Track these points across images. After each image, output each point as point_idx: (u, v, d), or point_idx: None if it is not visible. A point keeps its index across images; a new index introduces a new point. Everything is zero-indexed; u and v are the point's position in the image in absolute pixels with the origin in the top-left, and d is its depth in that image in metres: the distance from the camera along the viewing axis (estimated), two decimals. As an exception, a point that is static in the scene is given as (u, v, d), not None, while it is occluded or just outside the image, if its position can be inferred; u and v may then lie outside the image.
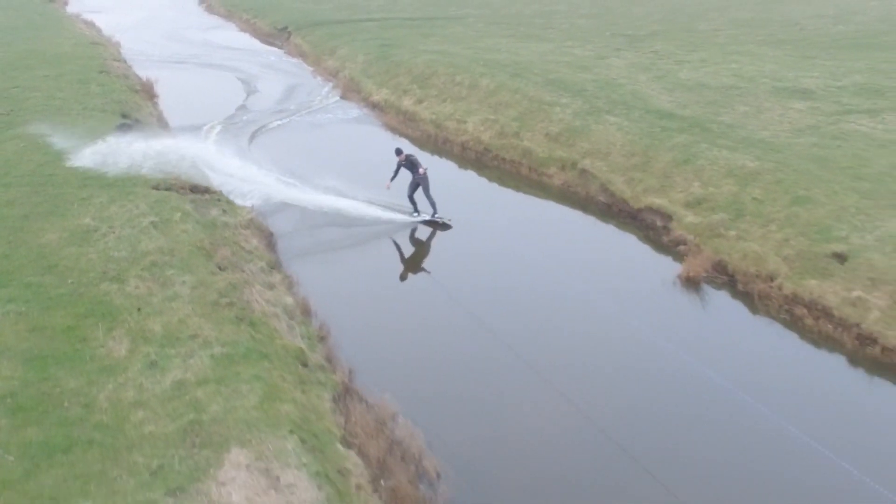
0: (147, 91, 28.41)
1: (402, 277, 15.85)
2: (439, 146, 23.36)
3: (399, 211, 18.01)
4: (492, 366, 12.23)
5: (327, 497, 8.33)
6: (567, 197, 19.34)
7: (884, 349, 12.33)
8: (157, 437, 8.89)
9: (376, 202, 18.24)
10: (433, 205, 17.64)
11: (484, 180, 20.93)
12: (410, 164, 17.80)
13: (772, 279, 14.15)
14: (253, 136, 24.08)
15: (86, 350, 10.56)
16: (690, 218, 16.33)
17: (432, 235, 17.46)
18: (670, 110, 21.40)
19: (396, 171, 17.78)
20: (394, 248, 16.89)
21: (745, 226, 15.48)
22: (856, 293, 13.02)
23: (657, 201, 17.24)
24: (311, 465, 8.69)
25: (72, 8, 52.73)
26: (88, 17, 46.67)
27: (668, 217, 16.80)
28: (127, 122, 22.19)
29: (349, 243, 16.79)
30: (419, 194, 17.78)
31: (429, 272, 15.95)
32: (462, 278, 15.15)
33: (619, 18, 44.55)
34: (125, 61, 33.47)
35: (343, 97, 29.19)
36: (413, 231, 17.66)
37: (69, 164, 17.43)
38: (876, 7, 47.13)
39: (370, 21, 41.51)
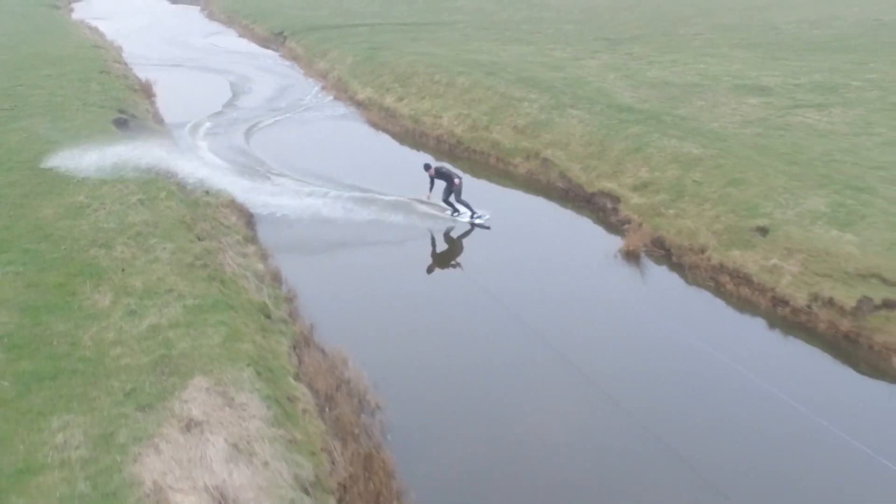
0: (145, 90, 29.96)
1: (382, 259, 16.90)
2: (417, 139, 24.83)
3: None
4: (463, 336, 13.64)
5: (275, 415, 9.74)
6: (530, 184, 20.76)
7: (793, 310, 13.69)
8: (132, 368, 10.31)
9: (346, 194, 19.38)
10: (468, 207, 18.31)
11: (461, 167, 22.37)
12: (441, 174, 18.48)
13: (702, 251, 15.52)
14: (239, 131, 25.56)
15: (74, 302, 12.01)
16: (636, 199, 17.73)
17: (408, 228, 18.57)
18: (630, 105, 22.82)
19: (432, 183, 18.55)
20: (377, 233, 17.79)
21: (684, 205, 16.87)
22: (773, 261, 14.39)
23: (608, 185, 18.64)
24: (263, 391, 10.11)
25: (77, 14, 54.52)
26: (93, 22, 48.38)
27: (617, 199, 18.19)
28: (123, 116, 23.72)
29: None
30: (454, 198, 18.49)
31: (406, 256, 17.20)
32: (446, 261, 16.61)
33: (605, 23, 45.92)
34: (125, 63, 35.07)
35: (331, 96, 30.68)
36: (389, 221, 18.80)
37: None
38: (856, 13, 48.28)
39: (363, 26, 43.06)
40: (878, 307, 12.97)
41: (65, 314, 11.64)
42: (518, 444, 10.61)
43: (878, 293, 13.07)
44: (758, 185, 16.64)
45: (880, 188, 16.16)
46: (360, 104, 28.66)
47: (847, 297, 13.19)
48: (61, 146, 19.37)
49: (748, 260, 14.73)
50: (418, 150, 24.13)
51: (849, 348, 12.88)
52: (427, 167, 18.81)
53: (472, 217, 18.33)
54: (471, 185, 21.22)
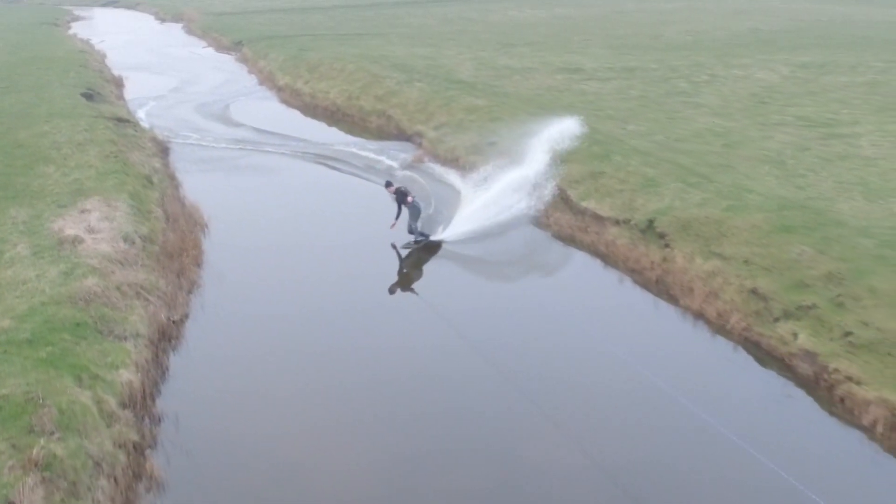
0: (116, 81, 38.22)
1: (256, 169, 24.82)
2: (311, 109, 32.90)
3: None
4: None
5: (134, 213, 17.56)
6: (378, 132, 28.67)
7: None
8: (59, 193, 18.16)
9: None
10: (417, 234, 18.12)
11: (335, 127, 30.36)
12: (400, 194, 17.96)
13: (456, 160, 23.35)
14: (179, 106, 33.72)
15: (31, 171, 19.93)
16: (432, 134, 25.62)
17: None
18: (462, 79, 30.77)
19: (399, 210, 17.93)
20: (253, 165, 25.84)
21: (457, 134, 24.72)
22: (487, 157, 22.13)
23: (420, 128, 26.54)
24: (132, 204, 17.94)
25: (73, 31, 63.23)
26: (86, 36, 56.98)
27: (422, 135, 26.07)
28: (90, 92, 31.81)
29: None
30: (410, 219, 18.00)
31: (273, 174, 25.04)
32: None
33: (519, 35, 53.46)
34: (104, 63, 43.37)
35: (261, 84, 38.89)
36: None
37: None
38: (742, 26, 55.46)
39: (308, 36, 51.10)
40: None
41: (24, 176, 19.57)
42: (287, 245, 18.43)
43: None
44: (507, 119, 24.42)
45: (583, 115, 23.84)
46: (279, 89, 36.78)
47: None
48: (39, 105, 27.48)
49: (478, 160, 22.46)
50: (315, 118, 32.18)
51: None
52: (388, 184, 18.49)
53: (415, 241, 18.15)
54: (340, 137, 29.20)
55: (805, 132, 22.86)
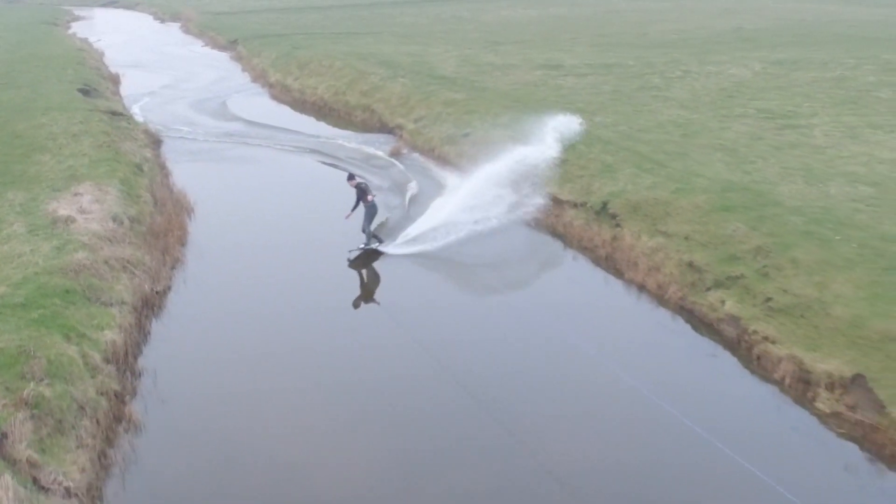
0: (112, 78, 39.49)
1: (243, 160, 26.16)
2: (300, 104, 34.16)
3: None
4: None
5: (124, 197, 18.81)
6: (361, 125, 29.92)
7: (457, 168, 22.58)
8: (55, 178, 19.41)
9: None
10: (369, 237, 17.91)
11: (322, 121, 31.59)
12: (361, 190, 17.80)
13: (432, 149, 24.58)
14: (173, 102, 34.97)
15: (28, 160, 21.18)
16: (411, 126, 26.86)
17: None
18: (444, 75, 31.97)
19: (356, 202, 17.81)
20: (239, 154, 27.18)
21: (435, 126, 25.96)
22: (461, 147, 23.36)
23: (401, 121, 27.78)
24: (122, 189, 19.19)
25: (72, 31, 64.57)
26: (85, 36, 58.27)
27: (402, 128, 27.31)
28: (86, 88, 33.07)
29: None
30: (365, 219, 17.80)
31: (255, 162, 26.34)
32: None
33: (508, 33, 54.69)
34: (102, 61, 44.65)
35: (254, 81, 40.14)
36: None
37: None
38: (727, 24, 56.54)
39: (302, 34, 52.35)
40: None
41: (21, 164, 20.83)
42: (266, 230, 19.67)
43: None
44: (482, 112, 25.64)
45: (555, 108, 25.03)
46: (270, 85, 38.06)
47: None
48: (36, 100, 28.74)
49: (451, 150, 23.72)
50: (302, 112, 33.42)
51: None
52: (350, 177, 18.48)
53: (365, 244, 17.89)
54: (327, 130, 30.43)
55: (763, 123, 24.03)
